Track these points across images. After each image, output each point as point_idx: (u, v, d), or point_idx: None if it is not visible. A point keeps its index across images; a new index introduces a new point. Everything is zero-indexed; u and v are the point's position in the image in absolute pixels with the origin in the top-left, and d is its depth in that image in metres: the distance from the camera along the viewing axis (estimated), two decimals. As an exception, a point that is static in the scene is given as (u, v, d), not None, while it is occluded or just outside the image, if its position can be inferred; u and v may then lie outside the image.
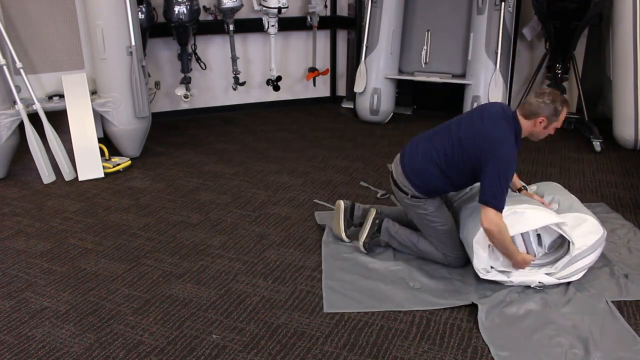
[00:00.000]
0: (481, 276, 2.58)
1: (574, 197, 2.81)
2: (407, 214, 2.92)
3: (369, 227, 2.88)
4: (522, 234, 2.54)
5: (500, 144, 2.44)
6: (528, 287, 2.57)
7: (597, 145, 4.48)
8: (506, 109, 2.61)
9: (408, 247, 2.87)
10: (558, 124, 2.55)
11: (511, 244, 2.49)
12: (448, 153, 2.60)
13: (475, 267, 2.59)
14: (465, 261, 2.78)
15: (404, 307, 2.48)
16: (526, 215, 2.50)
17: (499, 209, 2.41)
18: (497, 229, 2.42)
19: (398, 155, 2.83)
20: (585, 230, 2.52)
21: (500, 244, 2.47)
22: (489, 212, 2.41)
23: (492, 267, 2.57)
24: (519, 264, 2.54)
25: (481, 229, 2.48)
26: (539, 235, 2.60)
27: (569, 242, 2.53)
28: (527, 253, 2.56)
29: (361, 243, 2.89)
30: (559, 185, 2.95)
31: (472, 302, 2.48)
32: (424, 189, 2.70)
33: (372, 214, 2.91)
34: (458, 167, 2.59)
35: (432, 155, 2.64)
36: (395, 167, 2.82)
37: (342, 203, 3.01)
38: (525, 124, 2.55)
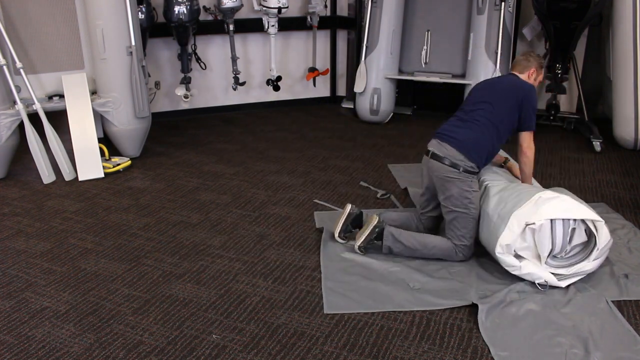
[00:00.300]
0: (494, 254, 2.59)
1: (583, 202, 2.82)
2: (443, 196, 2.81)
3: (368, 232, 2.86)
4: (562, 222, 2.52)
5: (528, 88, 2.94)
6: (528, 287, 2.57)
7: (597, 145, 4.48)
8: (510, 74, 3.11)
9: (413, 249, 2.83)
10: (541, 77, 3.10)
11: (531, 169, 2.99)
12: (495, 114, 2.87)
13: (498, 242, 2.56)
14: (471, 255, 2.80)
15: (404, 307, 2.48)
16: (569, 202, 2.54)
17: (534, 129, 2.93)
18: (531, 151, 2.94)
19: (434, 140, 2.89)
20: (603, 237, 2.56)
21: (530, 163, 2.96)
22: (528, 137, 2.91)
23: (509, 247, 2.56)
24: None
25: (525, 205, 2.54)
26: (572, 230, 2.56)
27: (588, 250, 2.56)
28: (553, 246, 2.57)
29: (357, 246, 2.88)
30: (566, 190, 2.98)
31: (472, 302, 2.48)
32: (480, 156, 2.82)
33: (374, 221, 2.86)
34: (505, 124, 2.88)
35: (483, 123, 2.86)
36: (438, 147, 2.83)
37: (349, 207, 3.00)
38: (524, 79, 3.03)
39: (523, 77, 3.03)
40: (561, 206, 2.51)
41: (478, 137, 2.82)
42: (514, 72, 3.06)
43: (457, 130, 2.85)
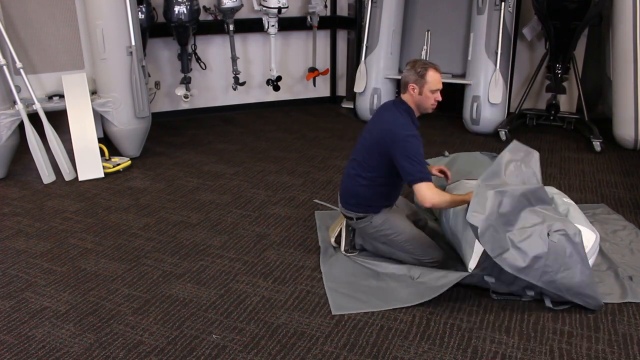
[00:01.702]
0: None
1: (571, 202, 2.83)
2: (367, 239, 2.88)
3: (344, 235, 2.90)
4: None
5: (396, 130, 2.56)
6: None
7: (597, 145, 4.48)
8: (395, 100, 2.76)
9: (382, 251, 2.84)
10: (431, 85, 2.60)
11: (455, 197, 2.58)
12: (364, 160, 2.69)
13: (468, 266, 2.55)
14: (441, 261, 2.75)
15: (411, 302, 2.48)
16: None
17: (427, 179, 2.52)
18: (438, 200, 2.52)
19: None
20: None
21: (450, 205, 2.61)
22: (422, 189, 2.50)
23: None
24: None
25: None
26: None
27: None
28: None
29: (342, 250, 2.92)
30: (555, 189, 3.00)
31: (470, 272, 2.51)
32: (359, 205, 2.75)
33: (343, 220, 2.90)
34: (376, 167, 2.66)
35: (352, 171, 2.75)
36: (338, 200, 2.89)
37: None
38: (406, 98, 2.67)
39: (407, 97, 2.65)
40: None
41: (351, 190, 2.76)
42: (401, 96, 2.70)
43: (342, 185, 2.85)
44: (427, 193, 2.49)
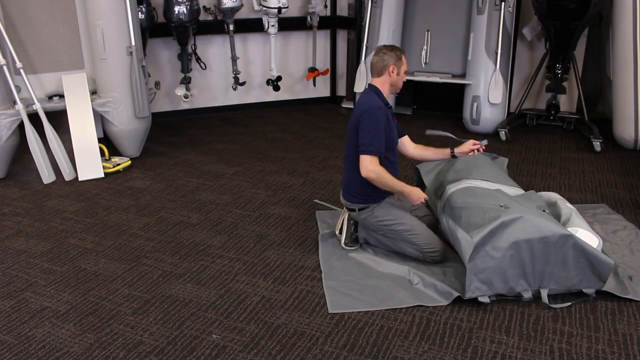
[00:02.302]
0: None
1: (573, 208, 2.84)
2: (371, 232, 2.91)
3: (345, 227, 2.95)
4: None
5: (363, 109, 2.73)
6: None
7: (597, 145, 4.48)
8: (365, 89, 2.91)
9: (385, 244, 2.89)
10: (404, 66, 2.83)
11: (394, 180, 2.72)
12: (351, 151, 2.80)
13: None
14: (445, 256, 2.78)
15: (407, 303, 2.49)
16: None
17: (374, 153, 2.67)
18: (374, 175, 2.67)
19: None
20: None
21: (383, 185, 2.72)
22: (365, 160, 2.67)
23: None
24: (412, 199, 2.74)
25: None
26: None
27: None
28: None
29: (342, 243, 2.96)
30: (558, 195, 3.02)
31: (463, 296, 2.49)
32: (358, 194, 2.83)
33: (346, 213, 2.95)
34: (357, 152, 2.74)
35: (346, 164, 2.86)
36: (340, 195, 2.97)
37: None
38: (382, 81, 2.81)
39: (383, 79, 2.79)
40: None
41: (347, 181, 2.87)
42: (371, 82, 2.85)
43: (342, 178, 2.95)
44: (367, 164, 2.66)
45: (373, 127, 2.67)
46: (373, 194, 2.81)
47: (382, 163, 2.74)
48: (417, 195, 2.74)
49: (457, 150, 2.90)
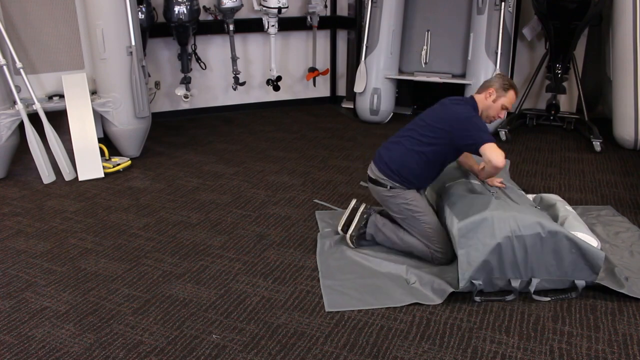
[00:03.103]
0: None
1: (572, 210, 2.85)
2: (391, 213, 2.93)
3: (356, 221, 2.94)
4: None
5: (461, 117, 2.71)
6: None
7: (597, 145, 4.48)
8: (465, 97, 2.91)
9: (393, 242, 2.89)
10: (506, 100, 2.79)
11: None
12: (418, 137, 2.79)
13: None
14: (451, 259, 2.79)
15: (404, 302, 2.49)
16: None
17: (491, 140, 2.60)
18: (496, 161, 2.57)
19: (372, 162, 2.98)
20: None
21: (496, 168, 2.64)
22: (493, 151, 2.56)
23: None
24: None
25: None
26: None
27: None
28: None
29: (348, 236, 2.94)
30: (558, 197, 3.03)
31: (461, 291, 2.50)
32: (401, 176, 2.81)
33: (361, 208, 2.96)
34: (431, 146, 2.76)
35: (404, 145, 2.82)
36: (371, 169, 2.95)
37: (353, 203, 3.01)
38: (479, 98, 2.82)
39: (480, 97, 2.82)
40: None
41: (399, 160, 2.82)
42: (473, 95, 2.88)
43: (383, 152, 2.91)
44: (498, 153, 2.57)
45: (480, 123, 2.68)
46: (414, 179, 2.81)
47: (433, 171, 2.83)
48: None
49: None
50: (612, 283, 2.56)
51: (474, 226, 2.45)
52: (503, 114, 2.85)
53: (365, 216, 2.94)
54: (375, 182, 2.90)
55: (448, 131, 2.71)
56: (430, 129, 2.78)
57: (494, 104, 2.79)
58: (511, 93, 2.80)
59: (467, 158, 3.02)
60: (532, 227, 2.42)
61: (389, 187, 2.84)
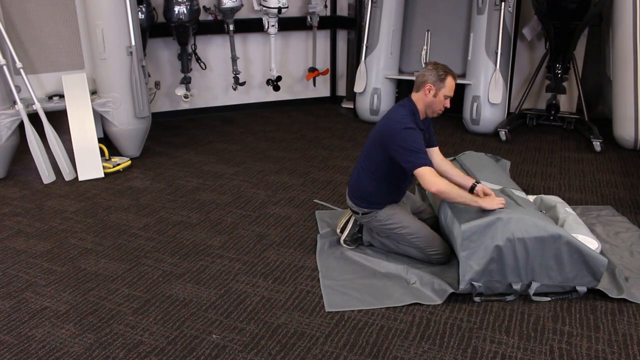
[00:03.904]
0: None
1: (572, 212, 2.85)
2: (375, 234, 2.93)
3: (350, 226, 2.95)
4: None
5: (392, 130, 2.60)
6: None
7: (597, 145, 4.48)
8: (403, 99, 2.75)
9: (390, 248, 2.89)
10: (446, 90, 2.64)
11: (462, 192, 2.57)
12: (369, 160, 2.76)
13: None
14: (449, 257, 2.80)
15: (404, 302, 2.49)
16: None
17: (427, 165, 2.54)
18: (444, 187, 2.52)
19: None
20: None
21: (453, 198, 2.56)
22: (426, 173, 2.52)
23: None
24: (492, 205, 2.50)
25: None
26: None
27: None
28: None
29: (342, 241, 2.97)
30: (558, 198, 3.03)
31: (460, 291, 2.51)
32: (364, 199, 2.81)
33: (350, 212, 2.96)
34: (381, 169, 2.72)
35: (362, 166, 2.81)
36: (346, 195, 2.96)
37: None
38: (418, 97, 2.68)
39: (419, 96, 2.67)
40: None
41: (357, 184, 2.82)
42: (411, 94, 2.72)
43: (349, 180, 2.92)
44: (431, 178, 2.51)
45: (412, 143, 2.55)
46: (376, 200, 2.79)
47: (393, 187, 2.77)
48: (496, 202, 2.52)
49: (478, 189, 2.68)
50: (613, 288, 2.56)
51: (478, 229, 2.44)
52: (448, 103, 2.69)
53: (358, 222, 2.94)
54: (350, 209, 2.92)
55: (384, 146, 2.64)
56: (373, 148, 2.73)
57: (436, 98, 2.64)
58: (449, 80, 2.63)
59: (449, 168, 2.84)
60: (534, 231, 2.42)
61: (360, 213, 2.85)
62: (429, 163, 2.57)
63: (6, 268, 2.82)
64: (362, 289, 2.61)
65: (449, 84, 2.64)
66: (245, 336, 2.29)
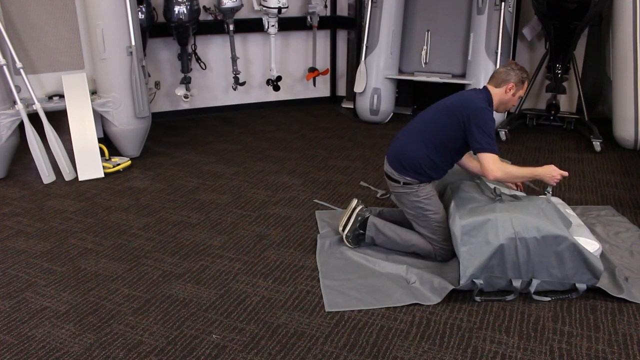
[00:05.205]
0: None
1: (573, 214, 2.85)
2: (402, 207, 2.92)
3: (351, 222, 2.93)
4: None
5: (475, 106, 2.68)
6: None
7: (597, 145, 4.48)
8: (478, 89, 2.88)
9: (394, 242, 2.88)
10: (522, 92, 2.84)
11: (521, 170, 2.75)
12: (430, 128, 2.78)
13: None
14: (452, 254, 2.80)
15: (404, 302, 2.49)
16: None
17: (495, 152, 2.62)
18: (502, 174, 2.62)
19: (386, 156, 2.95)
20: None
21: (513, 179, 2.79)
22: (488, 160, 2.61)
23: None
24: (552, 178, 2.68)
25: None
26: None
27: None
28: None
29: (344, 237, 2.95)
30: (559, 199, 3.03)
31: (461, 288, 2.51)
32: (411, 171, 2.78)
33: (357, 209, 2.95)
34: (441, 138, 2.74)
35: (415, 135, 2.81)
36: (385, 164, 2.93)
37: (354, 202, 3.00)
38: (496, 92, 2.79)
39: (498, 91, 2.78)
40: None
41: (408, 153, 2.79)
42: (487, 85, 2.83)
43: (394, 146, 2.90)
44: (492, 165, 2.60)
45: (488, 127, 2.63)
46: (426, 173, 2.78)
47: (444, 160, 2.79)
48: (554, 172, 2.69)
49: None
50: (612, 287, 2.56)
51: (478, 225, 2.46)
52: (516, 103, 2.89)
53: (360, 218, 2.92)
54: (389, 177, 2.89)
55: (457, 117, 2.68)
56: (441, 113, 2.77)
57: (514, 97, 2.81)
58: (526, 83, 2.83)
59: (468, 160, 2.98)
60: (535, 230, 2.42)
61: (402, 182, 2.82)
62: (495, 149, 2.63)
63: (6, 268, 2.82)
64: (362, 289, 2.60)
65: (525, 86, 2.84)
66: (245, 336, 2.29)
